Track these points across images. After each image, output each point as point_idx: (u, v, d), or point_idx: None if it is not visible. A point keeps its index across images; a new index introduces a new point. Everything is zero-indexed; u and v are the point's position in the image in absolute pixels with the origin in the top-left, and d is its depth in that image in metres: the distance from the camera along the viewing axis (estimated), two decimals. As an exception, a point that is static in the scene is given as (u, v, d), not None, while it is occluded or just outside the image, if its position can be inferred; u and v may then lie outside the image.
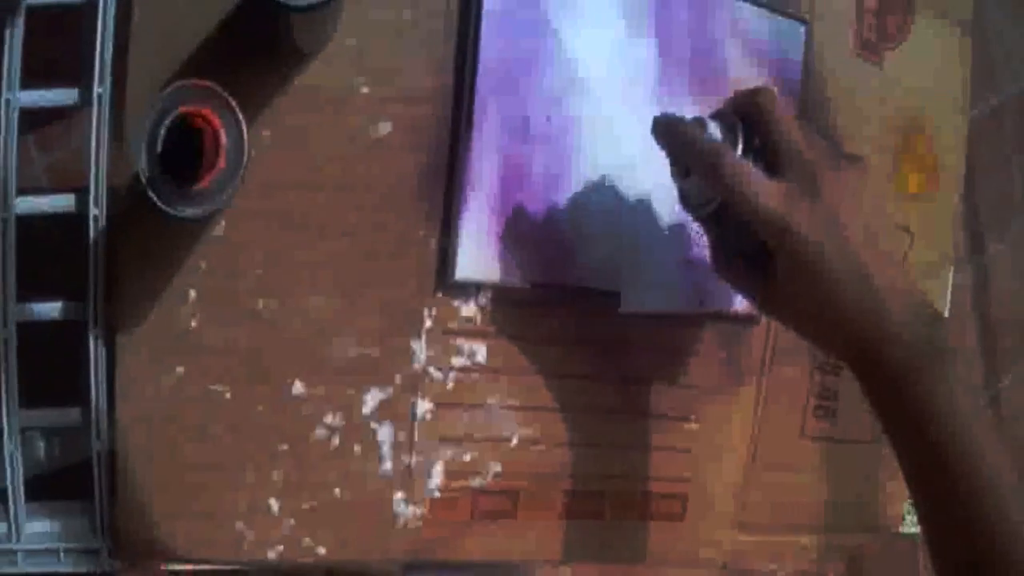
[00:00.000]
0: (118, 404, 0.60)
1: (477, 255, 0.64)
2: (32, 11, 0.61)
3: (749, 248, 0.56)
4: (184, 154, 0.50)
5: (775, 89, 0.56)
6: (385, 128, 0.63)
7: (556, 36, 0.65)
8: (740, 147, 0.55)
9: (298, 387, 0.63)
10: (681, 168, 0.58)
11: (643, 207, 0.68)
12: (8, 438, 0.62)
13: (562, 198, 0.66)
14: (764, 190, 0.53)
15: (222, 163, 0.51)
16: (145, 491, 0.61)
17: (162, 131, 0.50)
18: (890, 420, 0.55)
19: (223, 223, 0.61)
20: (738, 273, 0.59)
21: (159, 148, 0.50)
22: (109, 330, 0.61)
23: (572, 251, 0.66)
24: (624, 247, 0.68)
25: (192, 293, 0.61)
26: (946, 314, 0.84)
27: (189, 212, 0.52)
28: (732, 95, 0.58)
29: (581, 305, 0.68)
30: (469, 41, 0.63)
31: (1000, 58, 1.09)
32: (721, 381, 0.73)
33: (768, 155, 0.55)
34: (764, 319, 0.73)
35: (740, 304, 0.71)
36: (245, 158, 0.52)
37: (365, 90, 0.62)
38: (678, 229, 0.69)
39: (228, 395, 0.62)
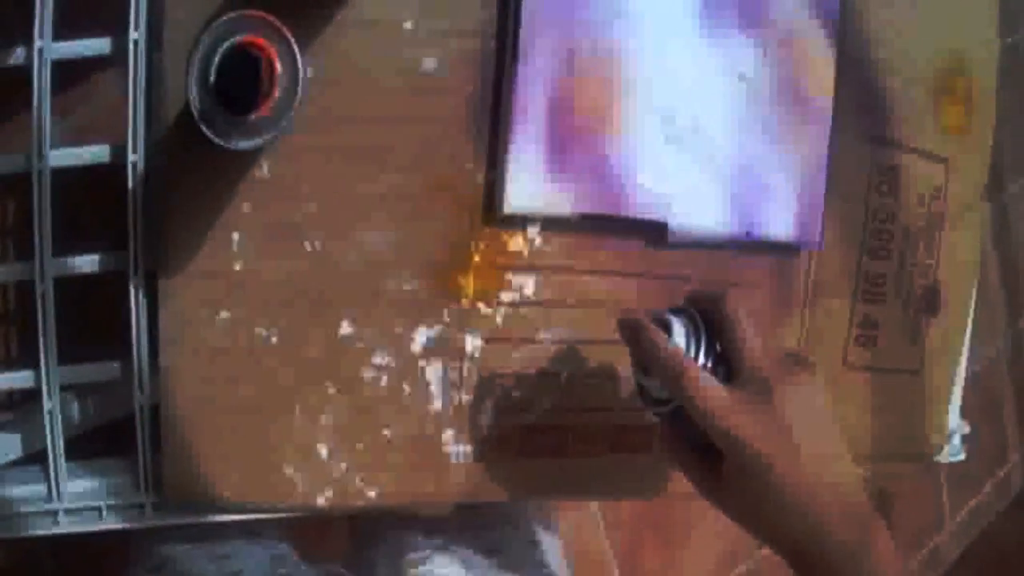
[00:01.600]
0: (163, 351, 0.59)
1: (525, 187, 0.63)
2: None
3: (702, 447, 0.58)
4: (234, 87, 0.49)
5: (734, 296, 0.58)
6: (431, 63, 0.62)
7: None
8: (703, 348, 0.57)
9: (345, 327, 0.62)
10: (642, 367, 0.59)
11: (690, 137, 0.67)
12: (48, 396, 0.60)
13: (610, 128, 0.65)
14: (720, 406, 0.55)
15: (276, 92, 0.49)
16: (192, 439, 0.60)
17: (216, 60, 0.48)
18: None
19: (265, 164, 0.59)
20: (689, 464, 0.60)
21: (212, 78, 0.49)
22: (150, 279, 0.59)
23: (620, 181, 0.65)
24: (672, 177, 0.67)
25: (236, 236, 0.59)
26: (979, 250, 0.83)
27: (244, 144, 0.51)
28: (693, 292, 0.60)
29: (630, 235, 0.67)
30: None
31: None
32: (771, 312, 0.72)
33: (727, 358, 0.57)
34: (813, 247, 0.72)
35: (787, 234, 0.70)
36: (300, 88, 0.51)
37: (409, 25, 0.61)
38: (724, 160, 0.68)
39: (274, 338, 0.61)
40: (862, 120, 0.76)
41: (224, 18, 0.50)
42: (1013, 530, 1.05)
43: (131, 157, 0.59)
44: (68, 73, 0.60)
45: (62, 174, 0.60)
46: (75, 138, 0.62)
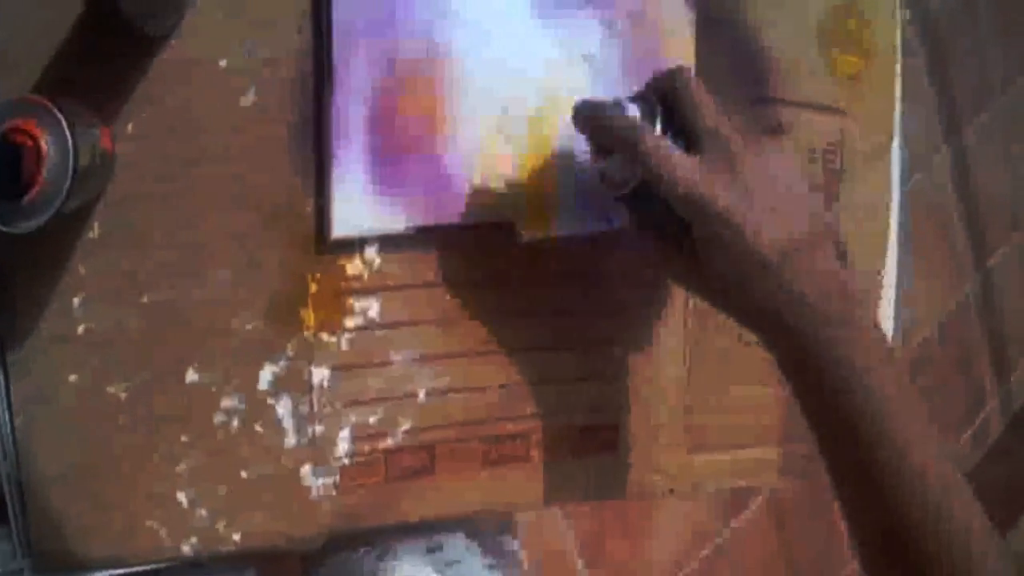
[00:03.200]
0: (17, 421, 0.59)
1: (353, 208, 0.61)
2: None
3: (667, 225, 0.57)
4: (9, 172, 0.50)
5: (692, 69, 0.57)
6: (250, 96, 0.61)
7: None
8: (659, 127, 0.56)
9: (191, 374, 0.61)
10: (600, 149, 0.59)
11: (529, 130, 0.65)
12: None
13: (439, 133, 0.63)
14: (683, 166, 0.54)
15: (44, 173, 0.50)
16: (55, 504, 0.60)
17: None
18: (802, 390, 0.56)
19: (96, 224, 0.60)
20: (656, 248, 0.59)
21: None
22: (1, 350, 0.60)
23: (456, 187, 0.63)
24: (513, 174, 0.65)
25: (76, 300, 0.60)
26: (895, 195, 0.80)
27: (25, 226, 0.51)
28: (651, 77, 0.59)
29: (475, 242, 0.65)
30: None
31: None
32: (645, 301, 0.69)
33: (687, 135, 0.56)
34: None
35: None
36: (70, 163, 0.51)
37: (224, 63, 0.60)
38: (570, 149, 0.66)
39: (123, 395, 0.60)
40: (738, 83, 0.73)
41: None
42: (992, 481, 1.01)
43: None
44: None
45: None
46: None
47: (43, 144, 0.49)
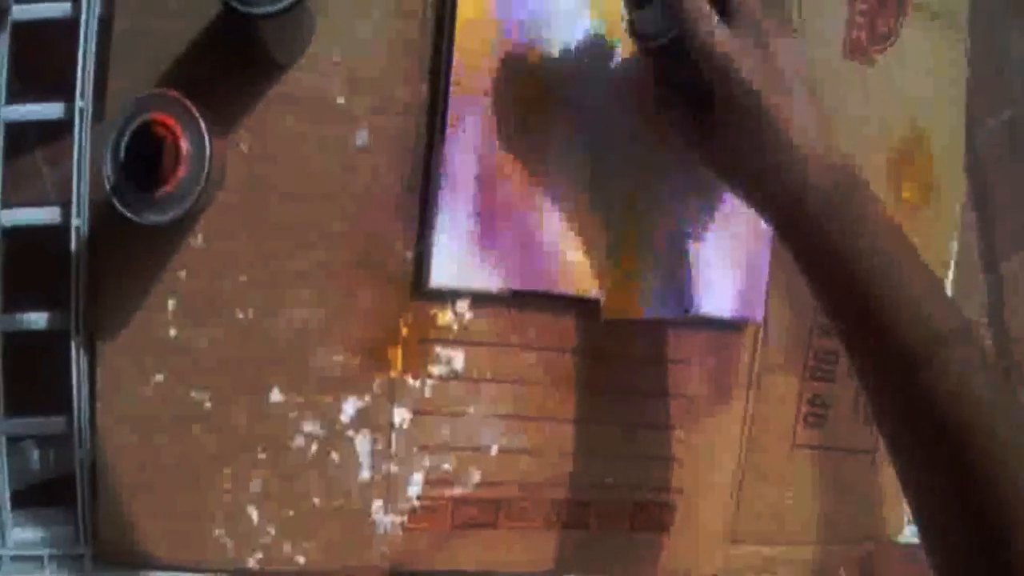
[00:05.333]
0: (99, 410, 0.61)
1: (453, 261, 0.63)
2: (19, 27, 0.62)
3: (692, 89, 0.58)
4: (145, 163, 0.51)
5: None
6: (363, 138, 0.63)
7: (532, 39, 0.65)
8: None
9: (276, 395, 0.63)
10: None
11: (624, 211, 0.68)
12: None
13: (540, 202, 0.65)
14: (718, 31, 0.55)
15: (183, 170, 0.51)
16: (125, 497, 0.61)
17: (125, 138, 0.50)
18: (811, 263, 0.56)
19: (201, 233, 0.61)
20: (678, 111, 0.61)
21: (122, 155, 0.51)
22: (91, 339, 0.61)
23: (551, 256, 0.66)
24: (605, 252, 0.67)
25: (171, 302, 0.61)
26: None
27: (152, 218, 0.52)
28: None
29: (562, 312, 0.67)
30: (444, 48, 0.63)
31: (1014, 67, 1.08)
32: (710, 390, 0.71)
33: (725, 8, 0.56)
34: (750, 328, 0.72)
35: (727, 311, 0.70)
36: (207, 166, 0.52)
37: (341, 100, 0.63)
38: (660, 234, 0.68)
39: (208, 403, 0.62)
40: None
41: (137, 96, 0.52)
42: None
43: (75, 221, 0.62)
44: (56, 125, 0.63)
45: (16, 232, 0.63)
46: (64, 190, 0.65)
47: (182, 141, 0.50)
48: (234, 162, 0.61)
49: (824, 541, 0.76)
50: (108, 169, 0.51)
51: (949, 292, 0.80)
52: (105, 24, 0.61)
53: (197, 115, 0.52)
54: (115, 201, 0.51)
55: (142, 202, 0.51)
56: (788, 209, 0.56)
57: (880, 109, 0.76)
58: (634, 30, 0.61)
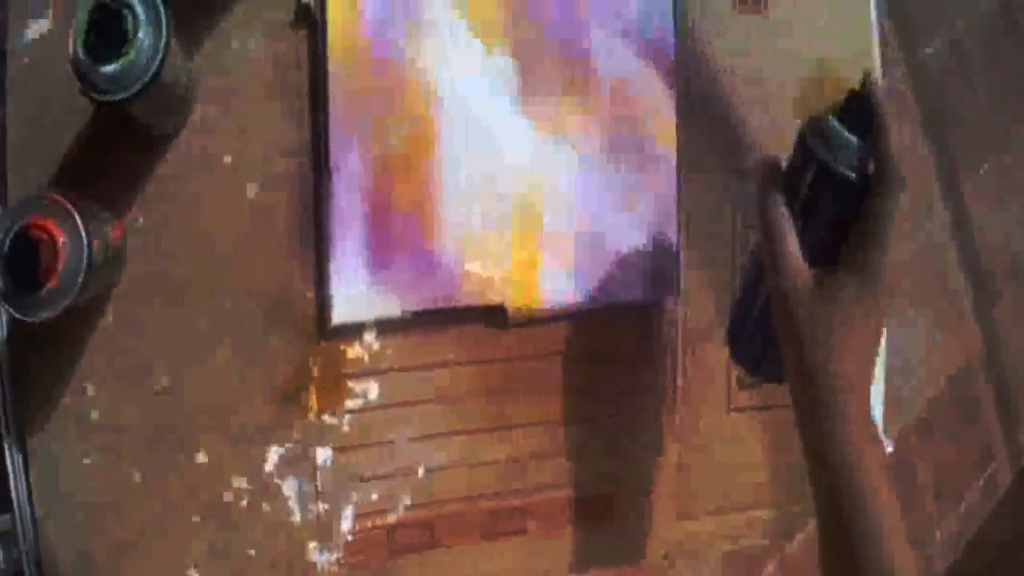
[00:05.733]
0: (36, 504, 0.62)
1: (351, 296, 0.65)
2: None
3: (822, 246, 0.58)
4: (34, 262, 0.53)
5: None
6: (253, 190, 0.65)
7: (408, 63, 0.66)
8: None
9: (202, 456, 0.64)
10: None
11: (515, 214, 0.68)
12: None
13: (432, 221, 0.66)
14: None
15: (61, 266, 0.53)
16: (74, 580, 0.62)
17: (6, 244, 0.52)
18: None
19: (110, 313, 0.63)
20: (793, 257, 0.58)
21: (3, 263, 0.52)
22: (22, 436, 0.63)
23: (449, 272, 0.67)
24: (501, 257, 0.68)
25: (90, 386, 0.63)
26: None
27: (43, 315, 0.54)
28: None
29: (469, 324, 0.68)
30: (320, 87, 0.65)
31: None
32: (635, 374, 0.72)
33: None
34: (669, 303, 0.72)
35: (640, 295, 0.70)
36: (85, 257, 0.54)
37: (228, 158, 0.64)
38: (560, 230, 0.69)
39: (137, 476, 0.63)
40: (718, 156, 0.76)
41: (14, 204, 0.54)
42: (1002, 532, 1.02)
43: (-7, 328, 0.64)
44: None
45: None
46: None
47: (60, 241, 0.52)
48: (133, 237, 0.63)
49: (780, 502, 0.76)
50: (-1, 275, 0.53)
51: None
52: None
53: (72, 211, 0.54)
54: (6, 305, 0.53)
55: (31, 302, 0.53)
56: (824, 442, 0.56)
57: (782, 55, 0.76)
58: (824, 137, 0.58)
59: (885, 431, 0.87)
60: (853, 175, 0.56)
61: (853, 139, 0.56)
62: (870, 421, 0.56)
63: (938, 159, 1.05)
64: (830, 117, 0.57)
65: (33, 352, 0.63)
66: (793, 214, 0.58)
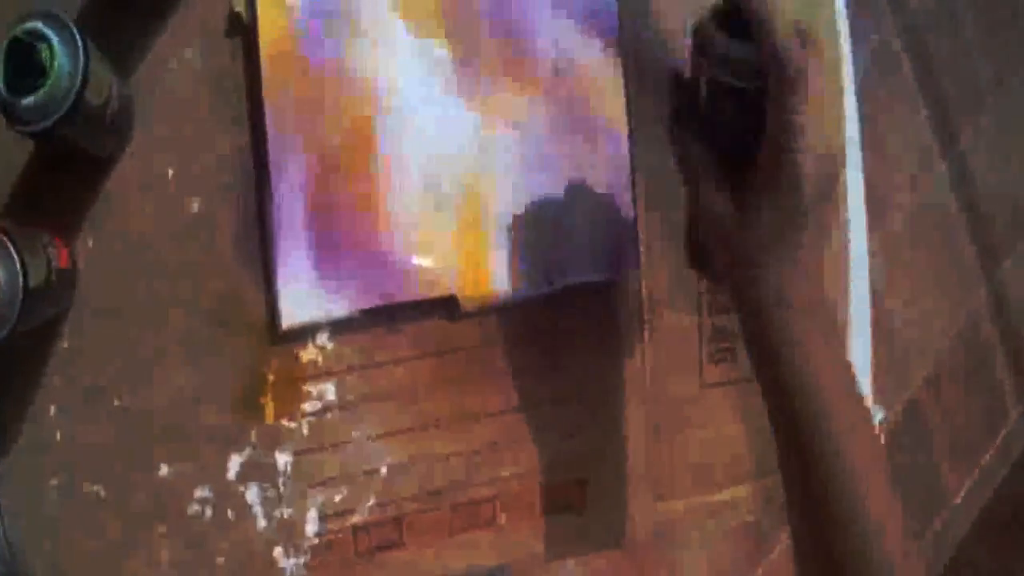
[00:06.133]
0: (9, 525, 0.63)
1: (300, 298, 0.64)
2: None
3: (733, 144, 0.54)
4: None
5: None
6: (196, 204, 0.65)
7: (343, 64, 0.65)
8: None
9: (164, 469, 0.64)
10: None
11: (461, 202, 0.68)
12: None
13: (376, 217, 0.66)
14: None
15: None
16: (50, 600, 0.63)
17: None
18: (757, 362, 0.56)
19: (65, 334, 0.64)
20: (704, 158, 0.56)
21: None
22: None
23: (397, 267, 0.66)
24: (449, 247, 0.67)
25: (52, 408, 0.64)
26: (855, 222, 0.80)
27: None
28: None
29: (422, 318, 0.68)
30: (256, 94, 0.64)
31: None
32: (599, 355, 0.71)
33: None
34: (630, 282, 0.71)
35: (599, 274, 0.69)
36: (20, 291, 0.54)
37: (171, 173, 0.65)
38: (508, 214, 0.68)
39: (103, 493, 0.64)
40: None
41: None
42: (1018, 496, 0.99)
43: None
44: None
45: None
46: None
47: None
48: (85, 259, 0.64)
49: (762, 475, 0.74)
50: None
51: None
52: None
53: (4, 239, 0.54)
54: None
55: None
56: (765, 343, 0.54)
57: None
58: (706, 51, 0.54)
59: (890, 398, 0.85)
60: (742, 84, 0.52)
61: (739, 43, 0.51)
62: (826, 341, 0.53)
63: (932, 112, 1.03)
64: (710, 22, 0.53)
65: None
66: (704, 133, 0.55)
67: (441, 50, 0.68)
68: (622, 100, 0.71)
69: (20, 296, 0.53)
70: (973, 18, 1.02)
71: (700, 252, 0.63)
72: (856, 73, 0.83)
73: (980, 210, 1.01)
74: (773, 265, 0.53)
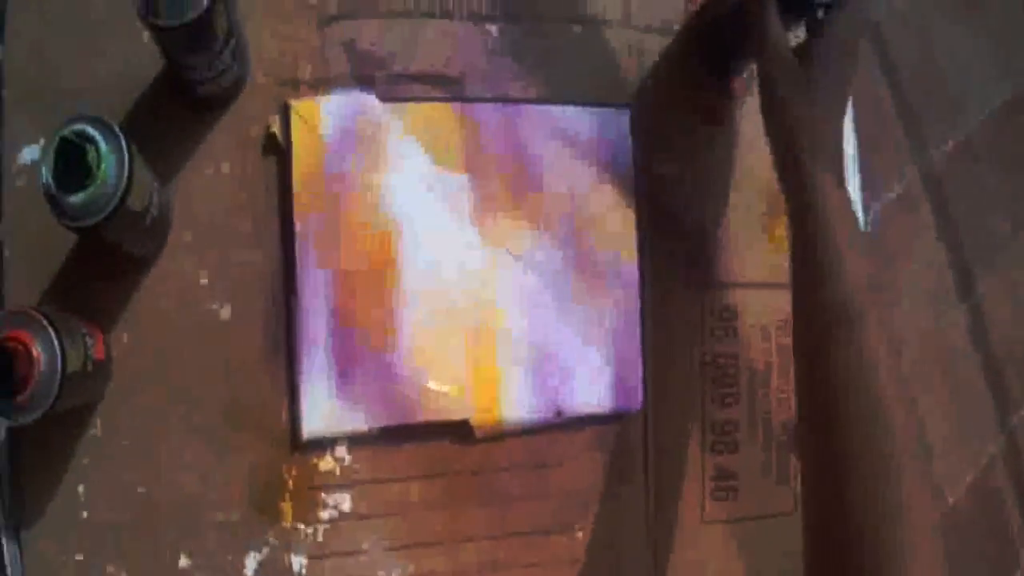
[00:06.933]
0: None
1: (321, 411, 0.68)
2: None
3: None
4: (11, 372, 0.57)
5: None
6: (227, 312, 0.69)
7: (367, 189, 0.70)
8: None
9: (183, 560, 0.67)
10: None
11: (477, 331, 0.71)
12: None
13: (395, 340, 0.69)
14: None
15: (36, 375, 0.56)
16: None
17: None
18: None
19: (98, 422, 0.67)
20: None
21: None
22: (17, 529, 0.67)
23: (413, 389, 0.69)
24: (461, 373, 0.70)
25: (81, 487, 0.67)
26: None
27: (21, 420, 0.58)
28: None
29: (435, 438, 0.71)
30: (287, 210, 0.69)
31: (959, 86, 1.06)
32: (603, 484, 0.73)
33: None
34: (633, 411, 0.74)
35: (605, 406, 0.72)
36: (59, 367, 0.57)
37: (204, 280, 0.69)
38: (519, 345, 0.72)
39: (124, 575, 0.67)
40: (688, 271, 0.77)
41: None
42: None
43: (-7, 431, 0.68)
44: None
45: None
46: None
47: (34, 351, 0.56)
48: (119, 352, 0.67)
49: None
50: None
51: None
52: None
53: (47, 325, 0.58)
54: None
55: (10, 407, 0.57)
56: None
57: (749, 162, 0.78)
58: None
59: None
60: None
61: None
62: (835, 168, 0.63)
63: (951, 258, 1.05)
64: None
65: (32, 454, 0.67)
66: None
67: (459, 182, 0.72)
68: (633, 241, 0.75)
69: (58, 379, 0.57)
70: (990, 161, 1.05)
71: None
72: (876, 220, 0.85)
73: (995, 356, 1.03)
74: (814, 99, 0.64)
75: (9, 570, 0.68)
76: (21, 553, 0.67)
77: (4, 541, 0.68)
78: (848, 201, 0.63)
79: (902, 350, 0.60)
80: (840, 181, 0.63)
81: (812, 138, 0.63)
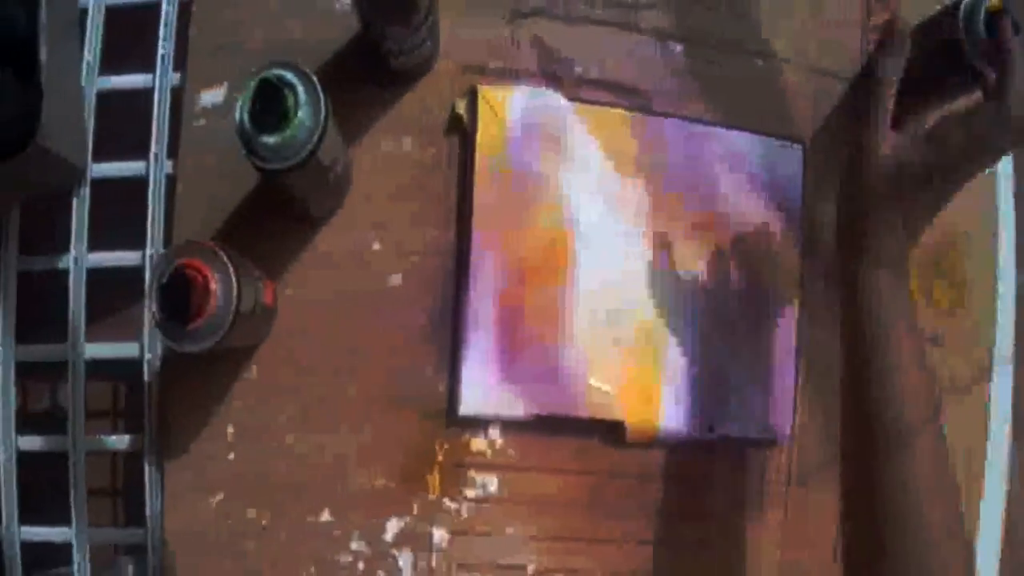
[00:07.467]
0: (165, 521, 0.67)
1: (480, 391, 0.68)
2: (97, 182, 0.70)
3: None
4: (187, 299, 0.57)
5: None
6: (396, 279, 0.69)
7: (546, 182, 0.70)
8: None
9: (325, 515, 0.68)
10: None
11: (640, 337, 0.71)
12: (77, 550, 0.70)
13: (559, 335, 0.69)
14: None
15: (212, 306, 0.57)
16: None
17: (164, 279, 0.56)
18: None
19: (255, 367, 0.68)
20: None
21: (161, 294, 0.57)
22: (160, 460, 0.68)
23: (574, 383, 0.69)
24: (623, 378, 0.70)
25: (230, 428, 0.68)
26: (998, 434, 0.82)
27: (189, 347, 0.58)
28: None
29: (586, 435, 0.71)
30: (466, 194, 0.69)
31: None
32: (743, 508, 0.73)
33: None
34: (781, 442, 0.74)
35: (753, 430, 0.72)
36: (234, 302, 0.57)
37: (377, 246, 0.69)
38: (680, 359, 0.71)
39: (263, 521, 0.68)
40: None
41: (175, 245, 0.59)
42: None
43: (147, 354, 0.69)
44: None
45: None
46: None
47: (212, 283, 0.56)
48: (282, 304, 0.68)
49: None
50: (154, 307, 0.57)
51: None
52: (172, 182, 0.68)
53: (226, 259, 0.58)
54: (160, 332, 0.57)
55: (181, 334, 0.57)
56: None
57: None
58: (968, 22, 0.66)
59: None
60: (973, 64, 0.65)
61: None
62: (901, 276, 0.62)
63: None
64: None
65: (184, 386, 0.68)
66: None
67: (635, 189, 0.72)
68: (797, 273, 0.75)
69: (231, 315, 0.57)
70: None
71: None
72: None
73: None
74: (897, 206, 0.63)
75: (149, 498, 0.68)
76: (162, 483, 0.67)
77: (146, 466, 0.68)
78: (913, 308, 0.62)
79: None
80: (905, 284, 0.62)
81: (883, 244, 0.62)
